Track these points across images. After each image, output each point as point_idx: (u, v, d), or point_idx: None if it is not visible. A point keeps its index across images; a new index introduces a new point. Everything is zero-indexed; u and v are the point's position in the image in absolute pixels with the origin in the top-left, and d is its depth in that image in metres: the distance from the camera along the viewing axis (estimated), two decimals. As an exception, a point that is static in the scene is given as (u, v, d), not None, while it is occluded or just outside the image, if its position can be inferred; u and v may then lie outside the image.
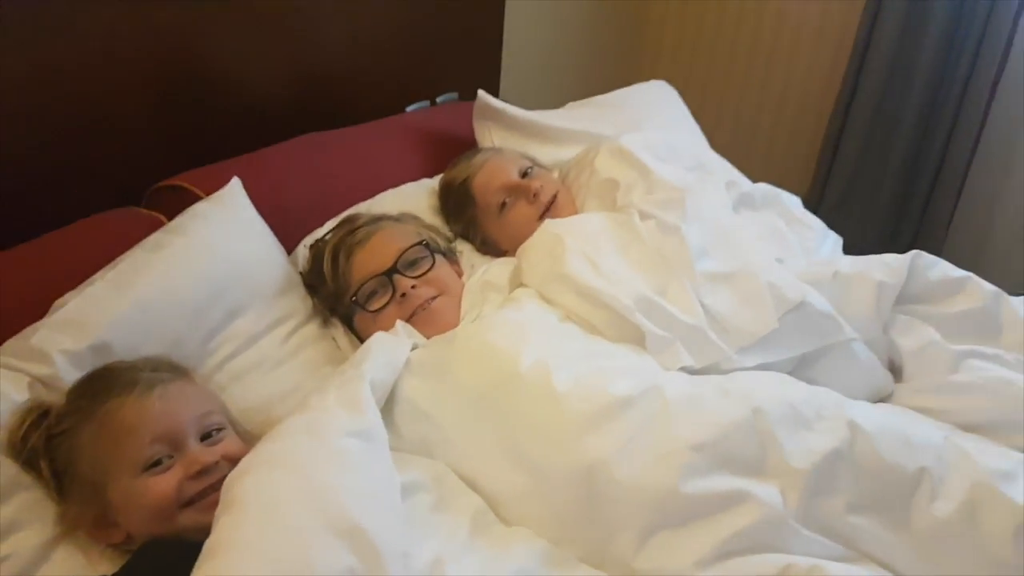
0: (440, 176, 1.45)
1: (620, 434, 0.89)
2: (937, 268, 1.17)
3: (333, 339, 1.20)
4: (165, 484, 0.85)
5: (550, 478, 0.89)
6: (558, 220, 1.25)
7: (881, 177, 2.02)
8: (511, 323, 1.06)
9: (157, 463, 0.86)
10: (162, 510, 0.84)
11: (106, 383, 0.91)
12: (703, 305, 1.08)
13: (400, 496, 0.84)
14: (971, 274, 1.17)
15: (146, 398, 0.88)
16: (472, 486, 0.94)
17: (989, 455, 0.89)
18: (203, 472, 0.86)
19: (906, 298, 1.15)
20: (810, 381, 1.01)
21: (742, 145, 1.60)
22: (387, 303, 1.15)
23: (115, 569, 0.82)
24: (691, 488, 0.85)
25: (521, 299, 1.13)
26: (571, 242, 1.16)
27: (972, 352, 1.07)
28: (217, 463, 0.87)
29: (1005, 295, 1.15)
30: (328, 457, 0.81)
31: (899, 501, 0.86)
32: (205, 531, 0.76)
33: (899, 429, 0.91)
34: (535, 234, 1.22)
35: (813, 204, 1.40)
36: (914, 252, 1.17)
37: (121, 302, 1.01)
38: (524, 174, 1.35)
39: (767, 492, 0.85)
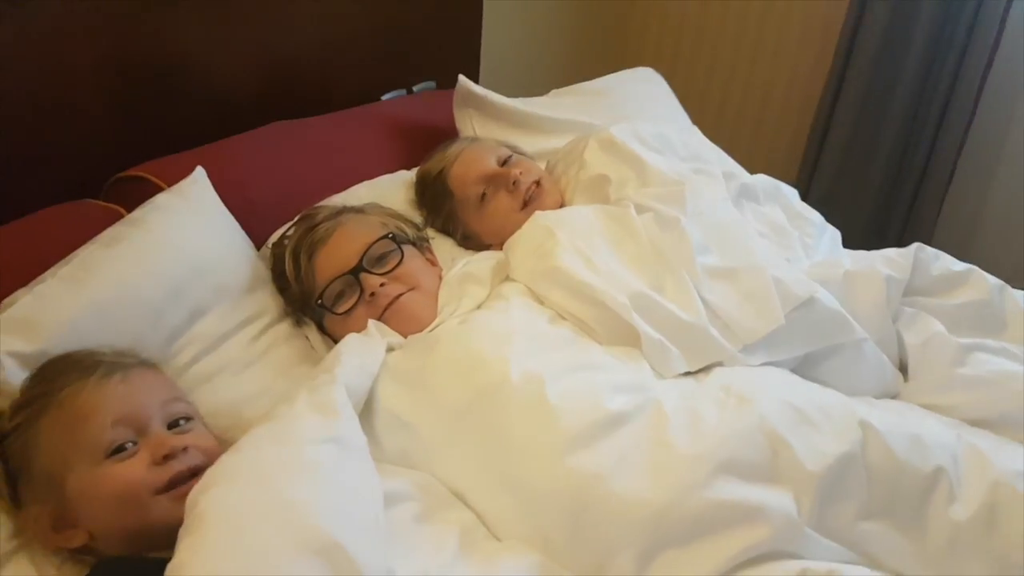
0: (417, 168, 1.39)
1: (616, 449, 0.84)
2: (940, 261, 1.15)
3: (306, 338, 1.14)
4: (131, 470, 0.79)
5: (539, 496, 0.84)
6: (548, 212, 1.19)
7: (868, 172, 1.99)
8: (497, 329, 1.00)
9: (120, 449, 0.80)
10: (129, 499, 0.78)
11: (63, 369, 0.85)
12: (704, 301, 1.03)
13: (383, 506, 0.78)
14: (974, 267, 1.15)
15: (107, 381, 0.83)
16: (460, 499, 0.89)
17: (1004, 454, 0.87)
18: (171, 456, 0.80)
19: (909, 291, 1.12)
20: (816, 381, 0.98)
21: (726, 138, 1.55)
22: (355, 303, 1.08)
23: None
24: (696, 501, 0.79)
25: (509, 296, 1.07)
26: (563, 235, 1.10)
27: (978, 345, 1.05)
28: (186, 449, 0.81)
29: (1008, 288, 1.13)
30: (300, 468, 0.75)
31: (914, 505, 0.83)
32: (174, 526, 0.70)
33: (910, 428, 0.87)
34: (524, 226, 1.17)
35: (800, 198, 1.37)
36: (916, 245, 1.15)
37: (75, 301, 0.94)
38: (503, 162, 1.29)
39: (779, 502, 0.80)
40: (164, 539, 0.72)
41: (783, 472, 0.82)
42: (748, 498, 0.80)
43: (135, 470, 0.79)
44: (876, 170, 1.97)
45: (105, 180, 1.23)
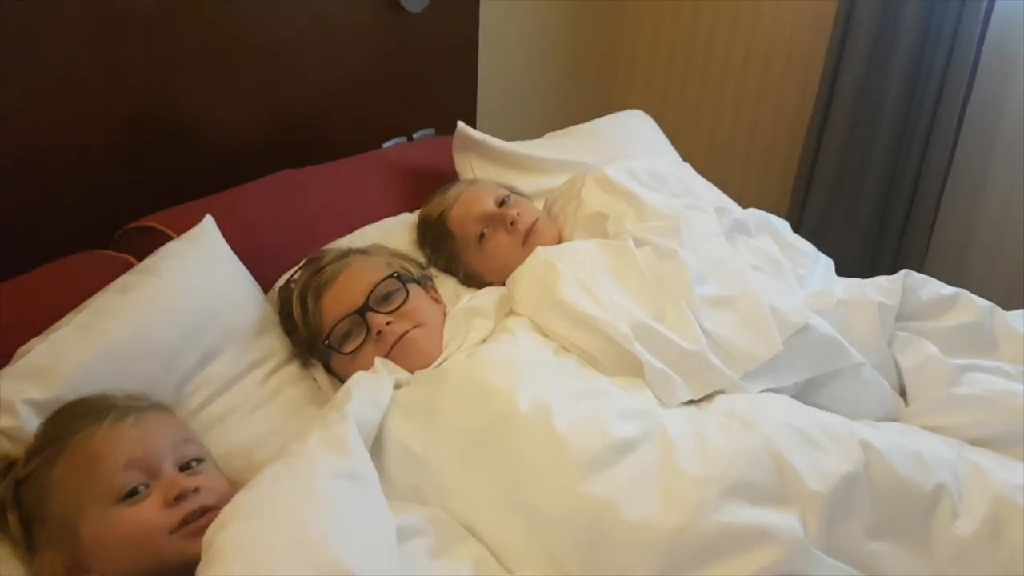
0: (419, 211, 1.42)
1: (625, 475, 0.85)
2: (928, 286, 1.18)
3: (314, 379, 1.15)
4: (143, 512, 0.80)
5: (551, 525, 0.85)
6: (550, 247, 1.22)
7: (857, 202, 2.03)
8: (505, 359, 1.02)
9: (133, 492, 0.81)
10: (142, 541, 0.79)
11: (77, 414, 0.86)
12: (704, 330, 1.05)
13: (395, 541, 0.79)
14: (962, 290, 1.18)
15: (119, 425, 0.84)
16: (471, 534, 0.89)
17: (1004, 469, 0.88)
18: (182, 497, 0.81)
19: (901, 316, 1.15)
20: (818, 406, 0.99)
21: (716, 175, 1.59)
22: (363, 342, 1.10)
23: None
24: (707, 524, 0.80)
25: (514, 329, 1.09)
26: (565, 268, 1.13)
27: (973, 366, 1.06)
28: (197, 490, 0.82)
29: (998, 309, 1.15)
30: (315, 502, 0.76)
31: (919, 522, 0.83)
32: (189, 565, 0.71)
33: (910, 447, 0.88)
34: (527, 261, 1.19)
35: (792, 230, 1.40)
36: (904, 271, 1.18)
37: (89, 347, 0.96)
38: (501, 203, 1.33)
39: (789, 523, 0.81)
40: (182, 572, 0.73)
41: (789, 493, 0.83)
42: (758, 521, 0.80)
43: (147, 513, 0.80)
44: (865, 200, 2.01)
45: (114, 231, 1.25)
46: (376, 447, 0.94)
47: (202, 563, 0.71)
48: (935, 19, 1.82)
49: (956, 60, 1.79)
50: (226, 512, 0.75)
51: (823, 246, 1.38)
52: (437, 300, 1.23)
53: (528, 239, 1.28)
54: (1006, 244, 1.93)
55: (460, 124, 1.51)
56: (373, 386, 0.99)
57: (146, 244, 1.16)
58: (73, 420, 0.86)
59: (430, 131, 1.78)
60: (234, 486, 0.84)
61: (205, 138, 1.41)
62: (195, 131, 1.40)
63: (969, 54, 1.79)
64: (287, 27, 1.47)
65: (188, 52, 1.34)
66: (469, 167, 1.51)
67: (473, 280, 1.34)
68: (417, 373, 1.06)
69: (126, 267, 1.12)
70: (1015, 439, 0.97)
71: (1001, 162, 1.89)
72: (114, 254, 1.19)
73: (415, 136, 1.76)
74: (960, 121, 1.86)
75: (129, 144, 1.32)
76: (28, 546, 0.83)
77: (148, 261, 1.10)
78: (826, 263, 1.34)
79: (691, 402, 1.01)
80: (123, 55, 1.26)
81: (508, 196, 1.34)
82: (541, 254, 1.19)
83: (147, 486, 0.82)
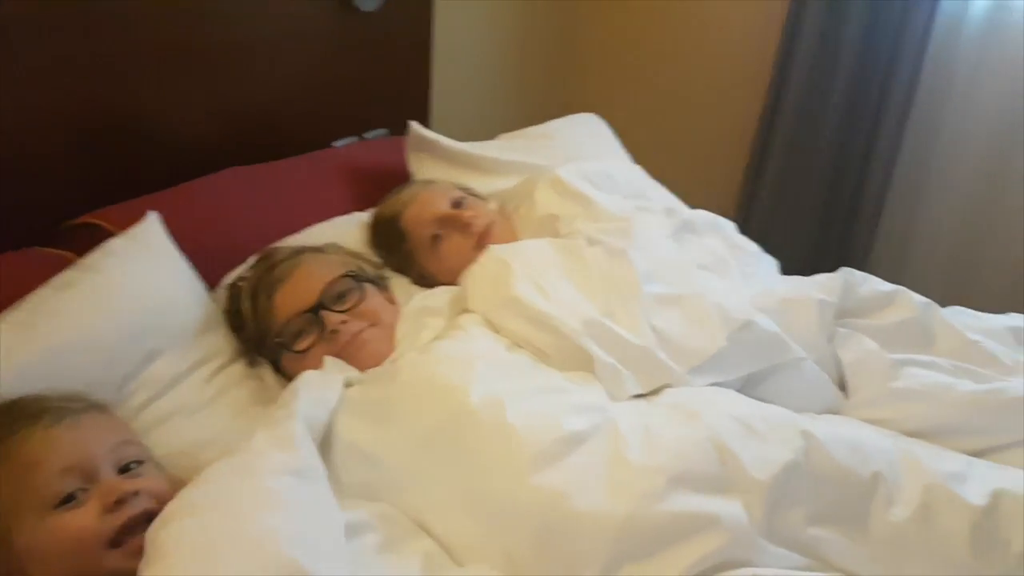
0: (371, 211, 1.41)
1: (576, 467, 0.87)
2: (867, 284, 1.21)
3: (260, 378, 1.14)
4: (81, 519, 0.77)
5: (503, 518, 0.86)
6: (503, 245, 1.23)
7: (802, 204, 2.08)
8: (458, 356, 1.02)
9: (69, 499, 0.78)
10: (81, 551, 0.76)
11: (9, 418, 0.83)
12: (652, 327, 1.07)
13: (344, 537, 0.78)
14: (900, 287, 1.21)
15: (54, 428, 0.81)
16: (423, 529, 0.89)
17: (938, 458, 0.91)
18: (121, 502, 0.78)
19: (842, 313, 1.18)
20: (761, 400, 1.01)
21: (666, 175, 1.62)
22: (315, 341, 1.09)
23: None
24: (654, 513, 0.82)
25: (467, 326, 1.09)
26: (518, 266, 1.14)
27: (909, 360, 1.09)
28: (137, 493, 0.79)
29: (935, 305, 1.19)
30: (262, 498, 0.75)
31: (857, 508, 0.86)
32: None
33: (849, 436, 0.91)
34: (480, 259, 1.20)
35: (739, 231, 1.44)
36: (844, 269, 1.21)
37: (27, 347, 0.94)
38: (456, 204, 1.33)
39: (731, 511, 0.83)
40: None
41: (733, 482, 0.85)
42: (703, 508, 0.82)
43: (85, 519, 0.77)
44: (810, 202, 2.06)
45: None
46: (324, 446, 0.93)
47: (143, 561, 0.69)
48: (880, 23, 1.87)
49: (899, 64, 1.85)
50: (169, 508, 0.74)
51: (768, 247, 1.41)
52: (392, 301, 1.22)
53: (483, 241, 1.28)
54: (944, 243, 2.00)
55: (413, 124, 1.51)
56: (321, 385, 0.98)
57: (88, 241, 1.14)
58: (5, 425, 0.83)
59: (383, 131, 1.78)
60: (177, 486, 0.82)
61: (154, 136, 1.39)
62: (144, 128, 1.37)
63: (912, 57, 1.84)
64: (239, 25, 1.45)
65: (138, 49, 1.32)
66: (423, 168, 1.51)
67: (427, 281, 1.33)
68: (368, 371, 1.06)
69: (66, 264, 1.09)
70: (949, 431, 1.01)
71: (941, 165, 1.95)
72: (54, 251, 1.16)
73: (367, 136, 1.75)
74: (902, 126, 1.91)
75: (77, 141, 1.29)
76: None
77: (89, 258, 1.07)
78: (769, 262, 1.38)
79: (639, 396, 1.02)
80: (72, 50, 1.23)
81: (464, 198, 1.35)
82: (494, 252, 1.20)
83: (85, 491, 0.79)
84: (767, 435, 0.90)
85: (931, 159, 1.96)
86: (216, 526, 0.71)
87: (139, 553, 0.73)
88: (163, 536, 0.70)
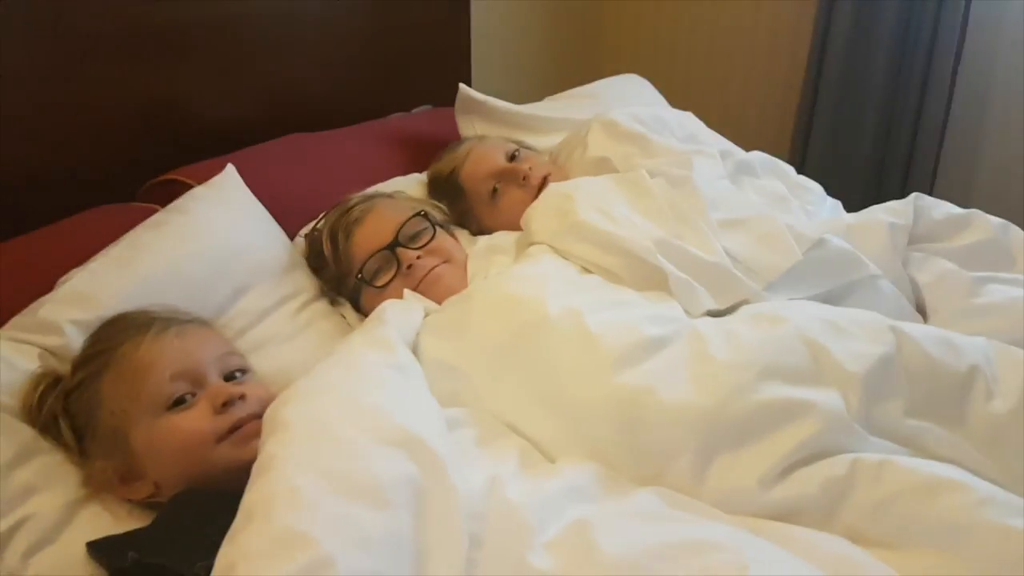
0: (428, 170, 1.45)
1: (659, 366, 0.86)
2: (940, 207, 1.18)
3: (343, 316, 1.17)
4: (192, 419, 0.81)
5: (590, 414, 0.85)
6: (563, 182, 1.24)
7: (857, 147, 2.03)
8: (531, 276, 1.03)
9: (180, 401, 0.82)
10: (193, 448, 0.79)
11: (120, 327, 0.87)
12: (724, 249, 1.06)
13: (446, 426, 0.81)
14: (975, 209, 1.17)
15: (163, 336, 0.85)
16: (512, 430, 0.90)
17: None
18: (229, 404, 0.81)
19: (915, 238, 1.15)
20: None
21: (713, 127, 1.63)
22: (393, 277, 1.12)
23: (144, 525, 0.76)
24: (745, 402, 0.81)
25: (536, 254, 1.10)
26: (581, 197, 1.15)
27: (990, 278, 1.07)
28: (244, 397, 0.82)
29: (1012, 225, 1.15)
30: (372, 382, 0.78)
31: (955, 401, 0.84)
32: (239, 471, 0.71)
33: (941, 334, 0.89)
34: (541, 196, 1.21)
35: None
36: (915, 194, 1.18)
37: (127, 277, 0.98)
38: (511, 157, 1.34)
39: (827, 397, 0.81)
40: (227, 483, 0.74)
41: (826, 375, 0.84)
42: (796, 396, 0.81)
43: (197, 420, 0.81)
44: (865, 145, 2.02)
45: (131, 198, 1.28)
46: (412, 363, 0.95)
47: (265, 432, 0.72)
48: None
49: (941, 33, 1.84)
50: (285, 394, 0.77)
51: (827, 189, 1.38)
52: (458, 242, 1.25)
53: (540, 193, 1.31)
54: (1014, 171, 1.93)
55: (462, 87, 1.54)
56: (404, 309, 1.01)
57: (170, 196, 1.18)
58: (117, 333, 0.87)
59: (427, 107, 1.82)
60: None
61: (212, 135, 1.43)
62: (203, 128, 1.43)
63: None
64: (285, 7, 1.52)
65: (189, 31, 1.39)
66: (472, 128, 1.53)
67: (487, 234, 1.36)
68: (444, 302, 1.08)
69: (152, 214, 1.14)
70: (1034, 346, 0.97)
71: (1003, 85, 1.90)
72: (141, 204, 1.21)
73: (413, 112, 1.80)
74: (958, 57, 1.86)
75: (143, 140, 1.36)
76: (80, 451, 0.84)
77: (177, 202, 1.12)
78: (833, 203, 1.36)
79: (717, 314, 1.01)
80: (141, 65, 1.33)
81: (518, 151, 1.36)
82: (555, 187, 1.21)
83: (193, 395, 0.83)
84: (856, 332, 0.88)
85: (992, 81, 1.91)
86: (332, 402, 0.74)
87: (247, 441, 0.77)
88: (283, 412, 0.73)
